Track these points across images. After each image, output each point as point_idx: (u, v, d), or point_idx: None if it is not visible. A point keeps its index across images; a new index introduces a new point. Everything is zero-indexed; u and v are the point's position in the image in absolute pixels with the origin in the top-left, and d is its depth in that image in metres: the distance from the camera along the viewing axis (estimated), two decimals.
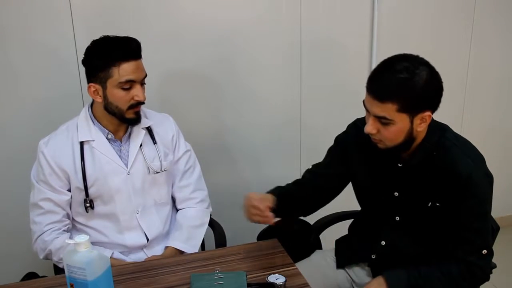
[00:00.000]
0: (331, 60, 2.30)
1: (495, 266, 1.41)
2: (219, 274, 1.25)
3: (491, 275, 1.34)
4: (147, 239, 1.55)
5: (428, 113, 1.21)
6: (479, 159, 1.27)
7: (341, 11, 2.25)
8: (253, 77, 2.21)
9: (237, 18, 2.11)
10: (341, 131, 1.50)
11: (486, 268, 1.30)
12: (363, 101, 1.24)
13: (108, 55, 1.38)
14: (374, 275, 1.44)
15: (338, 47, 2.30)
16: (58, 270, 1.51)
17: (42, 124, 1.95)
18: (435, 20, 2.42)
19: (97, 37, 1.97)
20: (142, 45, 1.46)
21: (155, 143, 1.55)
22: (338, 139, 1.50)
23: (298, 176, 1.55)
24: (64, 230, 1.50)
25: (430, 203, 1.29)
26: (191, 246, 1.55)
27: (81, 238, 1.05)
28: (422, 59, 1.21)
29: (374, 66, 2.31)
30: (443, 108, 2.76)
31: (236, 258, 1.36)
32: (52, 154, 1.45)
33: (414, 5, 2.36)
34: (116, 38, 1.41)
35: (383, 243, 1.42)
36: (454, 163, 1.23)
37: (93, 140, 1.47)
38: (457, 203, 1.24)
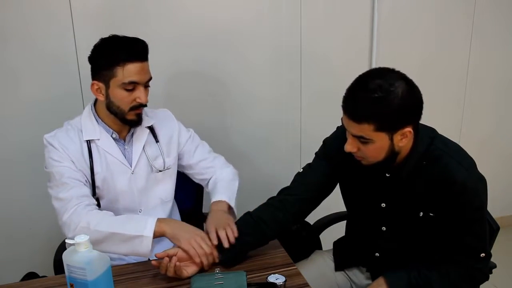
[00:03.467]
0: (331, 61, 2.31)
1: (495, 266, 1.41)
2: (219, 274, 1.25)
3: (491, 275, 1.34)
4: None
5: (408, 128, 1.16)
6: (471, 164, 1.24)
7: (340, 12, 2.25)
8: (253, 77, 2.22)
9: (237, 19, 2.11)
10: None
11: (485, 270, 1.30)
12: (341, 119, 1.21)
13: (113, 55, 1.36)
14: (373, 278, 1.44)
15: (338, 47, 2.30)
16: (58, 270, 1.51)
17: (42, 124, 1.95)
18: (435, 20, 2.42)
19: (97, 38, 1.98)
20: None
21: (157, 141, 1.55)
22: (327, 142, 1.46)
23: None
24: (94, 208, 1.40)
25: (422, 213, 1.26)
26: (227, 196, 1.53)
27: (81, 238, 1.05)
28: (397, 73, 1.16)
29: (374, 65, 2.34)
30: (443, 108, 2.78)
31: None
32: (62, 146, 1.41)
33: (414, 6, 2.36)
34: (124, 38, 1.40)
35: (377, 254, 1.41)
36: (447, 172, 1.20)
37: (98, 139, 1.45)
38: (454, 212, 1.22)
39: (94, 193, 1.46)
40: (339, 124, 1.44)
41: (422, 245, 1.32)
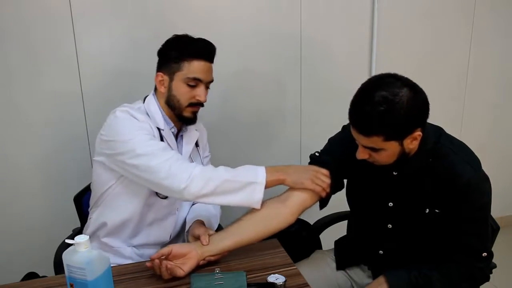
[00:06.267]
0: (331, 59, 2.31)
1: (495, 266, 1.41)
2: (219, 274, 1.25)
3: (491, 275, 1.34)
4: (169, 237, 1.55)
5: (418, 132, 1.17)
6: (476, 163, 1.25)
7: (340, 11, 2.25)
8: (253, 76, 2.22)
9: (236, 16, 2.11)
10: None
11: (486, 270, 1.30)
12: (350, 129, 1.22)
13: (183, 49, 1.42)
14: (374, 276, 1.44)
15: (338, 46, 2.30)
16: (58, 270, 1.51)
17: (42, 124, 1.96)
18: (435, 20, 2.43)
19: (97, 38, 1.98)
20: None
21: (197, 145, 1.58)
22: (332, 142, 1.46)
23: None
24: None
25: (427, 210, 1.27)
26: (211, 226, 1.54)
27: (81, 238, 1.05)
28: (400, 79, 1.16)
29: (374, 66, 2.34)
30: (443, 108, 2.79)
31: (236, 258, 1.36)
32: (142, 119, 1.38)
33: (414, 6, 2.36)
34: (196, 38, 1.46)
35: (381, 252, 1.41)
36: (452, 169, 1.21)
37: (163, 130, 1.46)
38: (458, 209, 1.22)
39: None
40: (339, 122, 1.45)
41: (425, 243, 1.33)
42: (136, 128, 1.35)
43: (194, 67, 1.41)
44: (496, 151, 2.79)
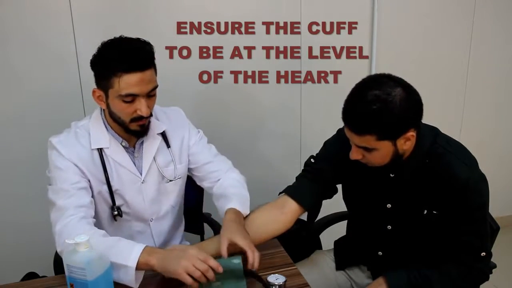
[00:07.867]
0: (332, 60, 2.30)
1: (495, 266, 1.41)
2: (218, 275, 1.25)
3: (491, 275, 1.34)
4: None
5: (411, 132, 1.17)
6: (473, 163, 1.25)
7: (340, 11, 2.25)
8: (252, 76, 2.21)
9: (237, 15, 2.11)
10: None
11: (485, 269, 1.30)
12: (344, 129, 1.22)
13: (109, 64, 1.25)
14: (374, 277, 1.44)
15: (338, 46, 2.30)
16: (58, 270, 1.51)
17: (42, 124, 1.96)
18: (435, 20, 2.43)
19: (97, 38, 1.97)
20: None
21: (169, 146, 1.47)
22: (327, 144, 1.46)
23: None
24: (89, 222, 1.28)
25: (425, 211, 1.27)
26: (245, 208, 1.41)
27: (81, 238, 1.05)
28: (394, 80, 1.16)
29: (374, 65, 2.34)
30: (443, 108, 2.78)
31: None
32: (69, 152, 1.32)
33: (414, 6, 2.36)
34: (124, 44, 1.28)
35: (380, 253, 1.41)
36: (449, 170, 1.21)
37: (108, 148, 1.38)
38: (456, 209, 1.22)
39: (114, 203, 1.41)
40: (339, 122, 1.44)
41: (425, 244, 1.33)
42: (56, 165, 1.32)
43: (125, 83, 1.24)
44: (496, 151, 2.79)
